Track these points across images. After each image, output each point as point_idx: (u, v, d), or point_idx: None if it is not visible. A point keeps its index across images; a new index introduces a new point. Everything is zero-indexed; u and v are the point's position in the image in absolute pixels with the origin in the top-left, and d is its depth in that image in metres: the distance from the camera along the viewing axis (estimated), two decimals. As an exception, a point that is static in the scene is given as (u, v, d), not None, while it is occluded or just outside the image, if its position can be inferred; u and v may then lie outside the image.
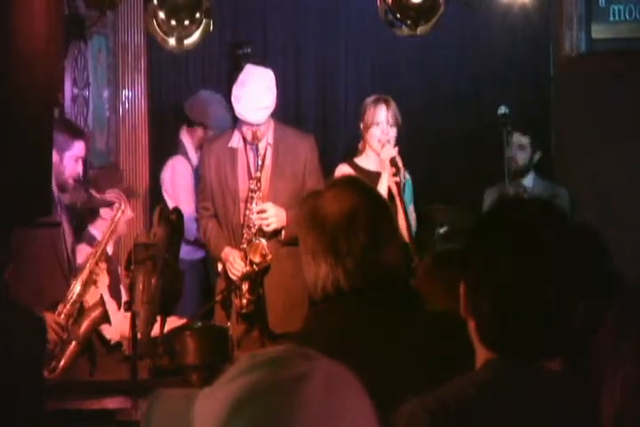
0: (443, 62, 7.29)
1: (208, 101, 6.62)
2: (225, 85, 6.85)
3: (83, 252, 5.07)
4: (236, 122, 6.56)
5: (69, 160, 4.91)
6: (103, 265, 4.87)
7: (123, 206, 4.97)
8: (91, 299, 4.84)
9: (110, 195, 5.00)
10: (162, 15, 5.47)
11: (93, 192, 4.99)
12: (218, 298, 5.08)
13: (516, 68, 7.15)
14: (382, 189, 5.20)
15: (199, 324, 4.00)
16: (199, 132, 6.51)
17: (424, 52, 7.18)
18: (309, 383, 1.16)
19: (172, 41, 5.51)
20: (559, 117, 6.82)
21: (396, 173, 5.32)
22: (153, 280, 4.46)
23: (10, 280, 4.58)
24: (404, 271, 2.54)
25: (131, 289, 4.46)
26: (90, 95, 6.22)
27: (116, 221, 4.96)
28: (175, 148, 6.56)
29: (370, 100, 5.56)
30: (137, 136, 6.64)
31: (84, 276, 4.77)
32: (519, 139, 6.29)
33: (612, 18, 6.63)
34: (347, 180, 2.69)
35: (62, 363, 4.65)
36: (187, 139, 6.55)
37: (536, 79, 7.03)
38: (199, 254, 6.28)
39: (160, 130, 6.74)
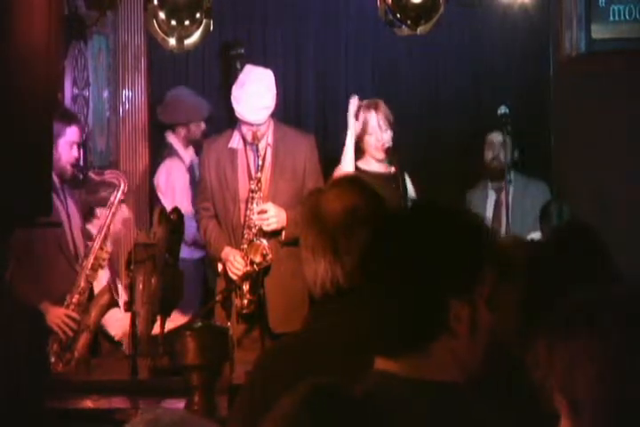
0: (443, 62, 7.29)
1: (173, 99, 6.67)
2: (222, 86, 6.87)
3: None
4: (205, 109, 6.60)
5: (64, 146, 4.91)
6: (108, 249, 4.88)
7: (123, 187, 4.96)
8: (97, 286, 4.86)
9: (110, 175, 5.00)
10: (162, 15, 5.47)
11: (93, 175, 4.98)
12: (218, 298, 5.07)
13: (516, 68, 7.16)
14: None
15: (199, 324, 3.99)
16: (181, 131, 6.55)
17: (424, 52, 7.18)
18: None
19: (172, 41, 5.51)
20: (559, 117, 6.81)
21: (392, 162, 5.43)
22: (153, 280, 4.47)
23: (16, 279, 4.59)
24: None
25: (131, 289, 4.47)
26: (90, 95, 6.22)
27: (116, 203, 4.95)
28: (166, 150, 6.57)
29: (360, 105, 5.58)
30: (137, 136, 6.64)
31: (89, 262, 4.78)
32: (498, 137, 6.31)
33: (611, 18, 6.63)
34: (348, 179, 2.69)
35: (76, 354, 4.67)
36: (174, 140, 6.57)
37: (536, 79, 7.03)
38: (199, 254, 6.28)
39: (160, 130, 6.73)
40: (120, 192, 4.93)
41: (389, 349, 1.79)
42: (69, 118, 5.04)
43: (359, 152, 5.65)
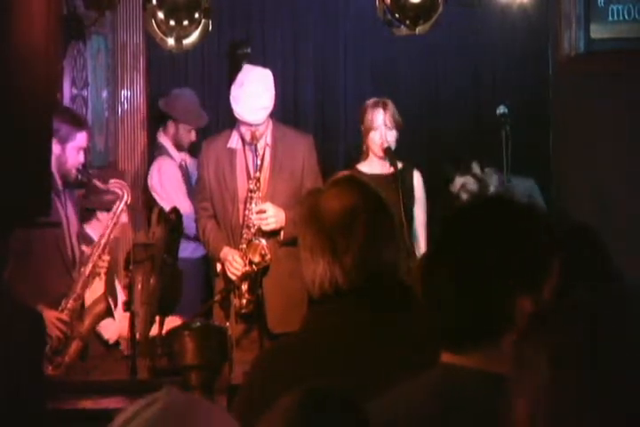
0: (442, 62, 7.29)
1: (177, 96, 6.66)
2: (226, 85, 6.86)
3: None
4: (202, 119, 6.60)
5: (71, 151, 4.91)
6: (106, 257, 4.87)
7: (126, 197, 4.95)
8: (93, 294, 4.85)
9: (114, 184, 4.99)
10: (161, 15, 5.48)
11: (97, 182, 4.97)
12: (217, 298, 5.08)
13: (516, 68, 7.16)
14: None
15: (198, 324, 3.99)
16: (171, 128, 6.53)
17: (423, 52, 7.18)
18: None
19: (170, 41, 5.51)
20: (558, 117, 6.82)
21: (393, 162, 5.41)
22: (152, 280, 4.46)
23: (13, 279, 4.58)
24: (403, 270, 2.54)
25: (129, 289, 4.46)
26: (89, 95, 6.22)
27: (118, 212, 4.94)
28: (156, 150, 6.56)
29: (368, 103, 5.57)
30: (136, 136, 6.64)
31: (87, 269, 4.78)
32: (462, 180, 6.32)
33: (610, 18, 6.63)
34: (347, 178, 2.68)
35: (66, 359, 4.66)
36: (164, 139, 6.55)
37: (535, 79, 7.03)
38: (199, 253, 6.27)
39: (159, 130, 6.73)
40: (123, 203, 4.93)
41: (457, 343, 1.81)
42: (80, 123, 5.03)
43: (362, 153, 5.64)
